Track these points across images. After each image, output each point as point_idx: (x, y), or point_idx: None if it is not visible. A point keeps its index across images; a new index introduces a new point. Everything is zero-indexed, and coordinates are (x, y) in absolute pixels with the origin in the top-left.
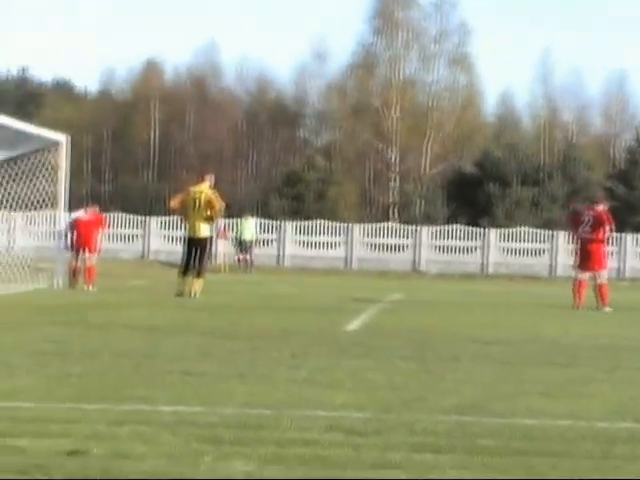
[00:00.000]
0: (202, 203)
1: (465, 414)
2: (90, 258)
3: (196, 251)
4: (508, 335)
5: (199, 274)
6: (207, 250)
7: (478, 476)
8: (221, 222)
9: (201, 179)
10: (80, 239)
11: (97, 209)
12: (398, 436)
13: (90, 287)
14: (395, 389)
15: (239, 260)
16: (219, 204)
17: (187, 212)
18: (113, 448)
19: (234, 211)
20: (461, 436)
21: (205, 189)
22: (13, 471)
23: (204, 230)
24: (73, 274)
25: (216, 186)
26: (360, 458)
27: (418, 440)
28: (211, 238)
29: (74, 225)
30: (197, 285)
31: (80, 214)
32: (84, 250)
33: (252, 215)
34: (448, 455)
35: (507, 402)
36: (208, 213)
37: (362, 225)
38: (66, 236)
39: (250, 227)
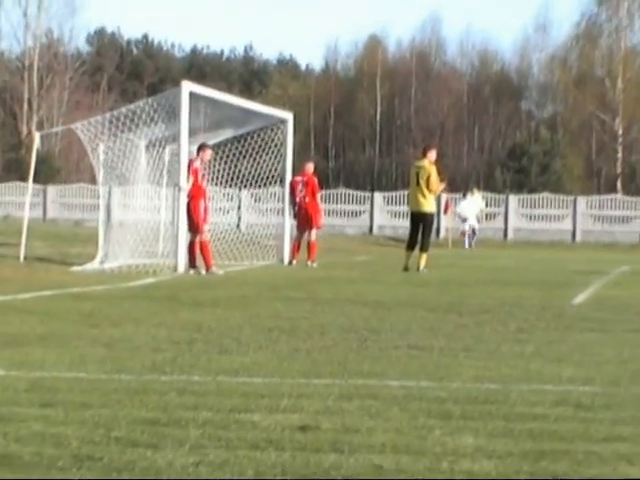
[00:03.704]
0: (422, 179)
1: None
2: (312, 234)
3: (420, 226)
4: None
5: (423, 249)
6: (431, 225)
7: None
8: (445, 197)
9: (423, 154)
10: (304, 218)
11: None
12: (627, 410)
13: (311, 262)
14: (623, 362)
15: (463, 234)
16: (436, 182)
17: (410, 187)
18: (342, 422)
19: (458, 185)
20: None
21: (426, 164)
22: (246, 446)
23: (427, 205)
24: (295, 250)
25: (439, 161)
26: (589, 432)
27: None
28: (435, 213)
29: (296, 204)
30: (422, 260)
31: None
32: (309, 228)
33: (478, 189)
34: None
35: None
36: (429, 188)
37: (588, 197)
38: None
39: (475, 201)
